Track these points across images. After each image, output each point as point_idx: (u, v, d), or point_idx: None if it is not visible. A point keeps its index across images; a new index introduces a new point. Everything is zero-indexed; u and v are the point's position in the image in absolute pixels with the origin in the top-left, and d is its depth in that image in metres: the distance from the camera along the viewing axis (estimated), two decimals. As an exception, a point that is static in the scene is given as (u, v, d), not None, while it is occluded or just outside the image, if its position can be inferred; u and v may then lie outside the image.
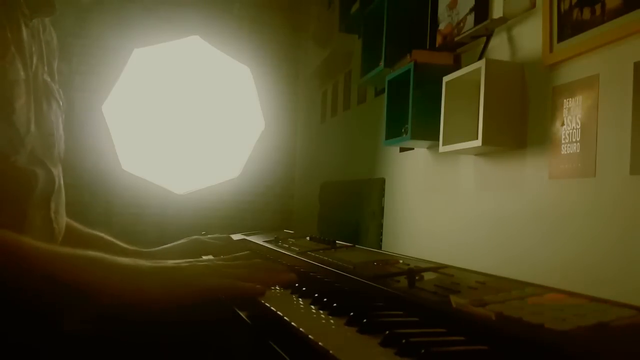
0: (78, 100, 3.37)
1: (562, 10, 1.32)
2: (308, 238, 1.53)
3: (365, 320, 0.64)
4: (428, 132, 1.77)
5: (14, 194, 0.82)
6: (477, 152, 1.64)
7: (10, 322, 0.76)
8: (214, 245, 1.23)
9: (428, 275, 0.89)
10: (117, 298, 0.76)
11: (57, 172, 0.93)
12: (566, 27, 1.30)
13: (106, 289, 0.76)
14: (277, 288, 0.91)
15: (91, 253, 0.79)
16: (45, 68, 0.94)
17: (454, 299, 0.69)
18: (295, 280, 0.92)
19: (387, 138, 2.02)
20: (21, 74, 0.83)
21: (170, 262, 0.88)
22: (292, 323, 0.67)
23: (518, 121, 1.47)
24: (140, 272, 0.80)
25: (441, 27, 1.84)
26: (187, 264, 0.86)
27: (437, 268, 0.95)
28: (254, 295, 0.84)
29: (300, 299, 0.83)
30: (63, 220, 0.97)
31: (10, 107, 0.80)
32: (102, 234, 1.14)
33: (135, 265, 0.82)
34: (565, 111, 1.31)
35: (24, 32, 0.86)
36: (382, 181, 2.36)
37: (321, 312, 0.74)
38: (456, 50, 1.79)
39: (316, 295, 0.80)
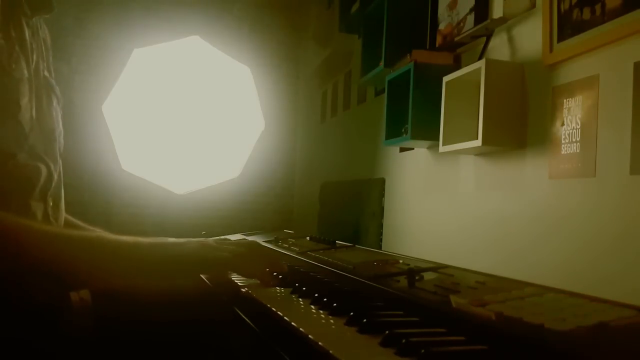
0: (78, 100, 3.37)
1: (562, 10, 1.32)
2: (308, 238, 1.53)
3: (365, 320, 0.64)
4: (428, 132, 1.77)
5: (18, 190, 0.83)
6: (477, 152, 1.64)
7: (11, 321, 0.76)
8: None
9: (428, 275, 0.89)
10: (116, 277, 0.76)
11: (56, 167, 0.93)
12: (566, 27, 1.30)
13: (106, 267, 0.76)
14: (279, 289, 0.91)
15: (90, 233, 0.80)
16: (45, 64, 0.95)
17: (454, 299, 0.69)
18: (285, 272, 0.95)
19: (387, 138, 2.02)
20: (25, 72, 0.84)
21: (170, 239, 0.88)
22: (292, 323, 0.67)
23: (518, 121, 1.47)
24: (140, 248, 0.81)
25: (441, 27, 1.84)
26: (185, 240, 0.87)
27: (437, 268, 0.95)
28: (247, 276, 0.85)
29: (300, 299, 0.83)
30: (62, 215, 0.98)
31: (16, 106, 0.81)
32: (101, 230, 1.14)
33: (135, 242, 0.82)
34: (565, 111, 1.31)
35: (26, 32, 0.86)
36: (382, 181, 2.36)
37: (321, 312, 0.74)
38: (456, 50, 1.79)
39: (316, 295, 0.80)
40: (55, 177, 0.92)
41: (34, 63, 0.88)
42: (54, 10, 0.94)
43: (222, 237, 1.29)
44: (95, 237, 0.80)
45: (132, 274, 0.77)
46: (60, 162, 0.96)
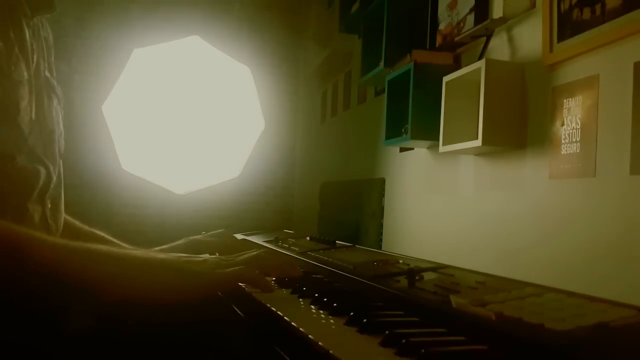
0: (78, 100, 3.37)
1: (562, 10, 1.32)
2: (308, 238, 1.53)
3: (365, 320, 0.64)
4: (428, 132, 1.77)
5: (16, 193, 0.82)
6: (477, 152, 1.64)
7: (11, 322, 0.76)
8: (213, 243, 1.23)
9: (428, 275, 0.89)
10: (128, 292, 0.75)
11: (56, 168, 0.93)
12: (566, 27, 1.30)
13: (117, 282, 0.75)
14: (279, 289, 0.91)
15: (99, 246, 0.79)
16: (46, 64, 0.94)
17: (454, 299, 0.69)
18: (299, 275, 0.94)
19: (387, 138, 2.02)
20: (24, 74, 0.83)
21: (183, 255, 0.87)
22: (292, 323, 0.67)
23: (518, 121, 1.47)
24: (151, 264, 0.80)
25: (441, 27, 1.84)
26: (200, 259, 0.86)
27: (437, 268, 0.95)
28: (264, 289, 0.85)
29: (300, 299, 0.83)
30: (61, 217, 0.97)
31: (15, 109, 0.81)
32: (101, 233, 1.13)
33: (146, 257, 0.81)
34: (565, 111, 1.31)
35: (26, 32, 0.86)
36: (382, 181, 2.36)
37: (321, 312, 0.74)
38: (456, 50, 1.79)
39: (316, 295, 0.80)
40: (54, 178, 0.92)
41: (34, 64, 0.88)
42: (56, 9, 0.93)
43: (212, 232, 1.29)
44: (104, 250, 0.79)
45: (140, 289, 0.76)
46: (60, 163, 0.96)
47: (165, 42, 2.69)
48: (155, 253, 0.84)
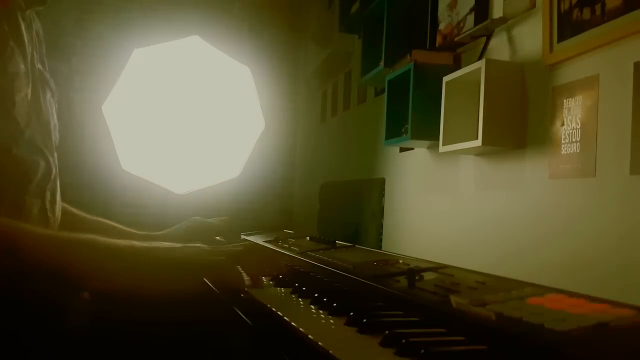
0: (78, 100, 3.36)
1: (562, 10, 1.32)
2: (308, 238, 1.53)
3: (365, 320, 0.64)
4: (428, 132, 1.77)
5: (13, 185, 0.82)
6: (477, 152, 1.64)
7: (10, 322, 0.76)
8: (214, 224, 1.24)
9: (428, 275, 0.89)
10: (112, 281, 0.76)
11: (54, 160, 0.93)
12: (566, 27, 1.30)
13: (100, 271, 0.76)
14: (279, 289, 0.91)
15: (85, 236, 0.80)
16: (38, 57, 0.94)
17: (454, 299, 0.69)
18: (283, 272, 0.94)
19: (387, 138, 2.02)
20: (21, 67, 0.83)
21: (165, 244, 0.88)
22: (292, 323, 0.67)
23: (518, 121, 1.47)
24: (135, 254, 0.80)
25: (441, 27, 1.84)
26: (181, 245, 0.87)
27: (437, 268, 0.95)
28: (240, 286, 0.85)
29: (300, 299, 0.83)
30: (59, 209, 0.97)
31: (11, 101, 0.81)
32: (101, 219, 1.14)
33: (130, 246, 0.82)
34: (565, 111, 1.31)
35: (22, 25, 0.86)
36: (382, 181, 2.35)
37: (321, 312, 0.74)
38: (456, 50, 1.79)
39: (316, 295, 0.80)
40: (54, 170, 0.92)
41: (29, 56, 0.88)
42: (48, 2, 0.94)
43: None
44: (90, 239, 0.80)
45: (126, 276, 0.77)
46: (55, 154, 0.96)
47: (165, 42, 2.68)
48: (139, 242, 0.84)
